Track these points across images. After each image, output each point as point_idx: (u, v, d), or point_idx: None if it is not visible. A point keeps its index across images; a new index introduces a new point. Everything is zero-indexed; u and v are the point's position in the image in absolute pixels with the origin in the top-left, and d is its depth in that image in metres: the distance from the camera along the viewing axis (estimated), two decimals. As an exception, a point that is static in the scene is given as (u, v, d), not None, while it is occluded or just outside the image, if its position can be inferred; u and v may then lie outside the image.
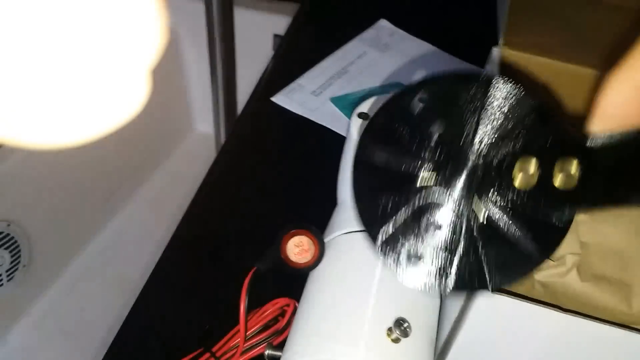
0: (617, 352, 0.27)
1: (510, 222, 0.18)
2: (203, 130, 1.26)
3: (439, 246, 0.18)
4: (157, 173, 1.17)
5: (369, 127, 0.19)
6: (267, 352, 0.36)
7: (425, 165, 0.18)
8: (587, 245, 0.31)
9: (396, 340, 0.31)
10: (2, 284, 0.88)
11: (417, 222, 0.19)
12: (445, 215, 0.18)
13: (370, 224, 0.19)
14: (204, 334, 0.40)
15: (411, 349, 0.31)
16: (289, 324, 0.37)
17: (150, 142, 1.13)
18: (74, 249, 1.03)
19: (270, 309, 0.39)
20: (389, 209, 0.19)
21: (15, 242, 0.89)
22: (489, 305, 0.27)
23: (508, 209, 0.18)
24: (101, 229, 1.08)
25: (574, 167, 0.17)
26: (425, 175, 0.18)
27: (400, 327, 0.31)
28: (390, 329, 0.31)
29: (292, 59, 0.64)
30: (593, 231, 0.31)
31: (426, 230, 0.18)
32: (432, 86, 0.18)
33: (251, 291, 0.37)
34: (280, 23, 0.96)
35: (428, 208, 0.18)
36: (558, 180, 0.17)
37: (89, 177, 1.01)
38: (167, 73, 1.12)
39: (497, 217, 0.18)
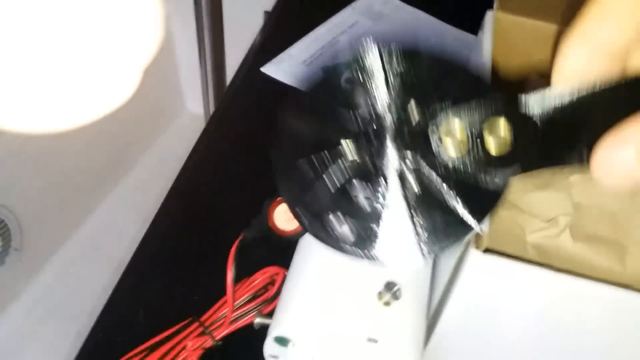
0: (611, 312, 0.26)
1: (443, 188, 0.18)
2: (194, 110, 1.25)
3: (370, 216, 0.18)
4: (148, 154, 1.16)
5: (291, 104, 0.20)
6: (256, 320, 0.36)
7: (351, 137, 0.18)
8: (580, 206, 0.31)
9: (387, 304, 0.30)
10: (-7, 268, 0.88)
11: (345, 194, 0.18)
12: (374, 184, 0.18)
13: (294, 199, 0.19)
14: (192, 305, 0.39)
15: (403, 313, 0.30)
16: (278, 292, 0.37)
17: (141, 123, 1.12)
18: (66, 231, 1.02)
19: (259, 278, 0.38)
20: (314, 183, 0.18)
21: (6, 225, 0.87)
22: (481, 267, 0.26)
23: (439, 176, 0.18)
24: (93, 211, 1.07)
25: (503, 130, 0.17)
26: (350, 147, 0.18)
27: (391, 291, 0.30)
28: (380, 293, 0.30)
29: (282, 29, 0.63)
30: (586, 192, 0.31)
31: (355, 201, 0.18)
32: (353, 63, 0.18)
33: (240, 261, 0.37)
34: (270, -1, 0.94)
35: (355, 179, 0.18)
36: (489, 145, 0.17)
37: (79, 160, 0.99)
38: (156, 53, 1.10)
39: (428, 183, 0.18)
